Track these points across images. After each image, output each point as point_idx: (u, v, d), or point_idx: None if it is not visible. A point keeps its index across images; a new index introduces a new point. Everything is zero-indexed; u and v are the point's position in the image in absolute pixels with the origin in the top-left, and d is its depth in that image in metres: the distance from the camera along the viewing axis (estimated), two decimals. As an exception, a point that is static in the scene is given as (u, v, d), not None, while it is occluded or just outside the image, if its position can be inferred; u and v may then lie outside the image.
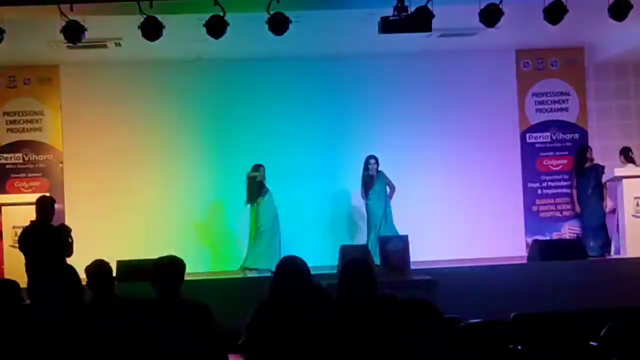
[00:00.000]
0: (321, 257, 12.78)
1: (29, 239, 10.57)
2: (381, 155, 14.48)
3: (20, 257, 10.73)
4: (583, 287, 11.46)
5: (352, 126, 15.45)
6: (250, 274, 13.53)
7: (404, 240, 12.27)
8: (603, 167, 14.92)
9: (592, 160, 15.15)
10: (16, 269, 11.23)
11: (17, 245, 11.50)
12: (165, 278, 6.13)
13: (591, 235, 14.75)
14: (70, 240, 10.52)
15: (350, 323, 5.32)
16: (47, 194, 12.03)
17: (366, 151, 14.54)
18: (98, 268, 6.79)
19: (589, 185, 15.08)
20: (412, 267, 12.08)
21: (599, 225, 14.79)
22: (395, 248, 12.22)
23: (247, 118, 15.33)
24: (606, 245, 14.53)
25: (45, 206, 10.85)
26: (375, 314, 5.15)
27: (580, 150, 15.43)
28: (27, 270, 10.37)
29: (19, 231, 12.37)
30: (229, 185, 15.03)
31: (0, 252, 12.78)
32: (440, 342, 4.29)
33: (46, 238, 10.45)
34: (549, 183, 15.96)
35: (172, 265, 6.22)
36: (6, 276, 11.87)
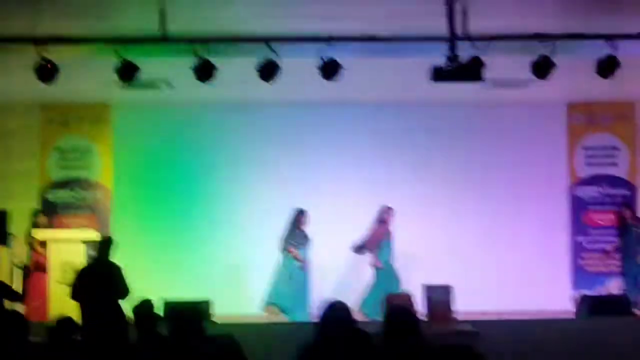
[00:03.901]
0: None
1: (83, 278, 10.64)
2: (429, 205, 14.46)
3: (65, 293, 10.80)
4: (629, 344, 11.30)
5: (398, 174, 15.45)
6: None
7: (448, 290, 12.20)
8: None
9: (634, 218, 15.11)
10: (61, 304, 11.29)
11: (63, 281, 11.62)
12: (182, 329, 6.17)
13: (633, 292, 14.59)
14: (123, 280, 10.59)
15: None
16: (107, 235, 12.11)
17: (409, 200, 14.53)
18: (143, 308, 6.81)
19: (630, 242, 15.01)
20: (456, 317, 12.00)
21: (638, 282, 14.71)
22: (440, 298, 12.15)
23: (293, 161, 15.41)
24: None
25: (101, 246, 10.96)
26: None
27: (621, 208, 15.38)
28: (81, 309, 10.44)
29: (66, 267, 12.47)
30: (278, 226, 15.07)
31: (47, 287, 12.84)
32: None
33: (99, 277, 10.51)
34: (597, 237, 15.84)
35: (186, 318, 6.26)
36: (51, 311, 11.94)
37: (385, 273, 14.04)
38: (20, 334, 6.19)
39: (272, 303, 13.79)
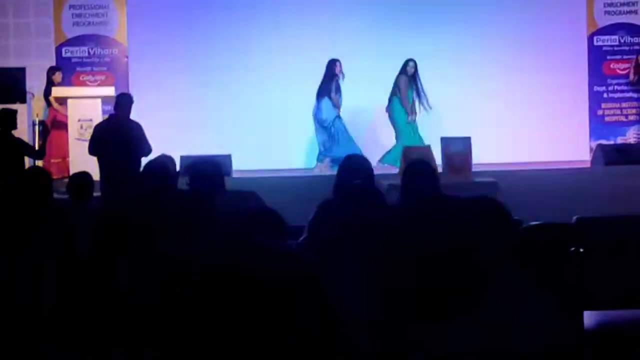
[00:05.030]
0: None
1: (102, 134, 10.66)
2: (444, 55, 14.39)
3: (85, 150, 10.87)
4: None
5: (412, 24, 15.27)
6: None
7: (467, 141, 12.22)
8: None
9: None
10: (81, 161, 11.38)
11: (82, 137, 11.71)
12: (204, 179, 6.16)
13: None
14: (144, 137, 10.62)
15: (412, 224, 5.32)
16: (125, 92, 12.08)
17: (426, 50, 14.48)
18: (159, 164, 6.83)
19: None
20: (474, 169, 12.05)
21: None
22: (458, 150, 12.17)
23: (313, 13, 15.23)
24: None
25: (120, 102, 10.93)
26: (438, 214, 5.15)
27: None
28: (100, 165, 10.52)
29: (85, 124, 12.54)
30: (303, 80, 14.78)
31: (66, 144, 12.93)
32: (507, 240, 4.27)
33: (118, 133, 10.52)
34: (615, 87, 15.74)
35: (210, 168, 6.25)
36: (71, 169, 12.04)
37: (410, 127, 14.01)
38: (43, 190, 6.25)
39: (323, 156, 13.91)
